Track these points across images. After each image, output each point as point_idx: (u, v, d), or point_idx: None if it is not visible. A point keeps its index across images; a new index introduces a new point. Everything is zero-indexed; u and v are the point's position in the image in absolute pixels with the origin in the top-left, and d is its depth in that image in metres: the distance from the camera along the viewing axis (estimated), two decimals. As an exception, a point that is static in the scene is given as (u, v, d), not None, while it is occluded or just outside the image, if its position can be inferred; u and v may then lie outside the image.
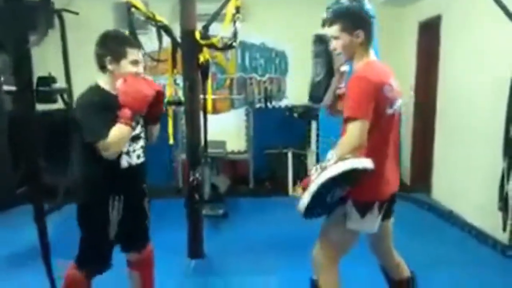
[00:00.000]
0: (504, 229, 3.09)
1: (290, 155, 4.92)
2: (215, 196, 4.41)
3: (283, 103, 5.17)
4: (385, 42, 3.61)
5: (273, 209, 4.37)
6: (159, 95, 1.90)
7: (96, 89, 1.92)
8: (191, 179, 3.07)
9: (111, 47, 1.87)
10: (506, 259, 3.08)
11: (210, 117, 3.53)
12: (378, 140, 1.76)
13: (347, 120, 1.68)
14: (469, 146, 3.73)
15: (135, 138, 1.96)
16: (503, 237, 3.16)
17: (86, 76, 5.27)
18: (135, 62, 1.88)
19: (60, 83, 4.48)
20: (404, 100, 1.97)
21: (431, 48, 4.49)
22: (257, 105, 5.16)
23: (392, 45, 4.62)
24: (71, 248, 2.78)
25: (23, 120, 1.80)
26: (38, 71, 4.27)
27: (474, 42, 3.68)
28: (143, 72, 1.93)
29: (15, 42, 1.21)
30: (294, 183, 4.89)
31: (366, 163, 1.63)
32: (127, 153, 1.93)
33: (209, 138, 3.50)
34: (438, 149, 4.42)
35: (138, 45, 1.97)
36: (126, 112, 1.80)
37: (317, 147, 4.70)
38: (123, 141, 1.84)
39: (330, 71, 1.95)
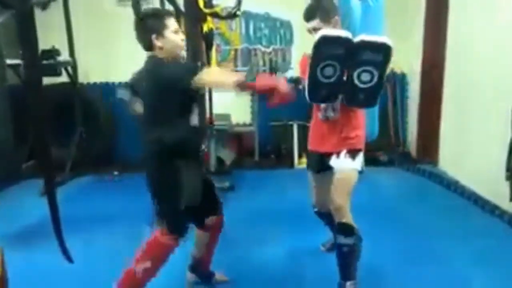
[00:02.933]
0: None
1: (295, 127, 4.89)
2: (220, 169, 4.44)
3: (288, 74, 5.10)
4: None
5: (278, 181, 4.39)
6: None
7: (158, 58, 1.96)
8: (196, 151, 3.07)
9: (153, 24, 1.93)
10: (513, 229, 3.09)
11: (215, 90, 3.50)
12: None
13: None
14: (476, 116, 3.68)
15: None
16: (510, 207, 3.15)
17: (89, 48, 5.22)
18: (176, 31, 1.95)
19: (64, 56, 4.46)
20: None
21: (440, 5, 4.35)
22: (262, 77, 5.09)
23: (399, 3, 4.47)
24: (79, 221, 2.82)
25: (31, 90, 1.78)
26: (42, 44, 4.24)
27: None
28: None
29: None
30: (300, 156, 4.88)
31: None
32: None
33: (214, 111, 3.49)
34: (445, 119, 4.36)
35: (171, 13, 2.05)
36: (242, 77, 1.86)
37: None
38: (217, 81, 1.97)
39: (342, 76, 2.05)
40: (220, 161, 4.55)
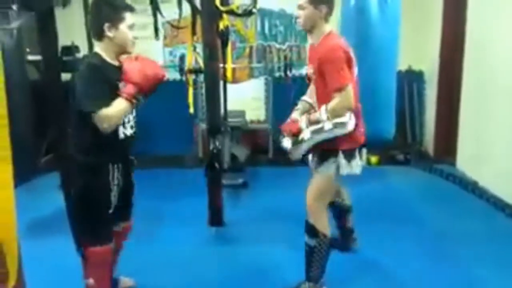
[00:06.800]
0: (531, 201, 3.01)
1: (310, 124, 4.86)
2: (234, 166, 4.45)
3: (303, 71, 5.07)
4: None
5: (292, 178, 4.34)
6: (163, 78, 1.92)
7: (96, 58, 1.89)
8: (211, 147, 3.08)
9: (109, 13, 1.85)
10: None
11: (229, 86, 3.51)
12: (354, 99, 2.08)
13: (337, 90, 1.98)
14: (497, 114, 3.61)
15: None
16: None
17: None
18: (132, 26, 1.88)
19: (83, 53, 4.53)
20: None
21: (458, 1, 4.27)
22: (277, 74, 5.08)
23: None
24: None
25: (50, 87, 1.82)
26: (62, 41, 4.31)
27: None
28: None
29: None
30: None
31: (353, 123, 2.02)
32: (123, 124, 1.93)
33: (229, 107, 3.50)
34: (464, 118, 4.28)
35: (132, 9, 1.93)
36: (130, 88, 1.80)
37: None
38: (120, 116, 1.83)
39: None
40: (234, 157, 4.56)
